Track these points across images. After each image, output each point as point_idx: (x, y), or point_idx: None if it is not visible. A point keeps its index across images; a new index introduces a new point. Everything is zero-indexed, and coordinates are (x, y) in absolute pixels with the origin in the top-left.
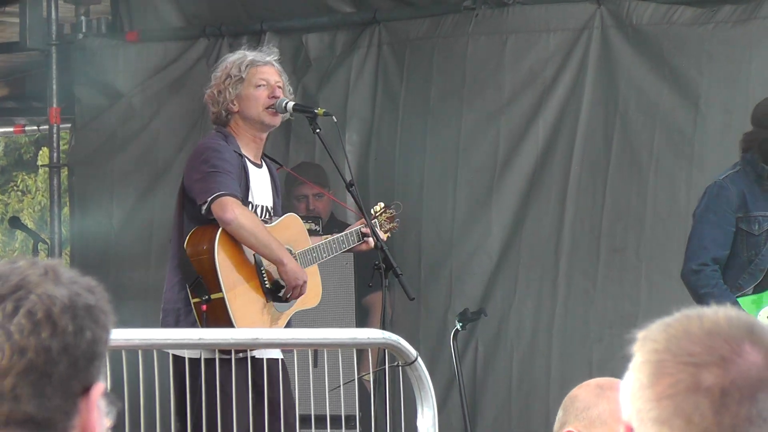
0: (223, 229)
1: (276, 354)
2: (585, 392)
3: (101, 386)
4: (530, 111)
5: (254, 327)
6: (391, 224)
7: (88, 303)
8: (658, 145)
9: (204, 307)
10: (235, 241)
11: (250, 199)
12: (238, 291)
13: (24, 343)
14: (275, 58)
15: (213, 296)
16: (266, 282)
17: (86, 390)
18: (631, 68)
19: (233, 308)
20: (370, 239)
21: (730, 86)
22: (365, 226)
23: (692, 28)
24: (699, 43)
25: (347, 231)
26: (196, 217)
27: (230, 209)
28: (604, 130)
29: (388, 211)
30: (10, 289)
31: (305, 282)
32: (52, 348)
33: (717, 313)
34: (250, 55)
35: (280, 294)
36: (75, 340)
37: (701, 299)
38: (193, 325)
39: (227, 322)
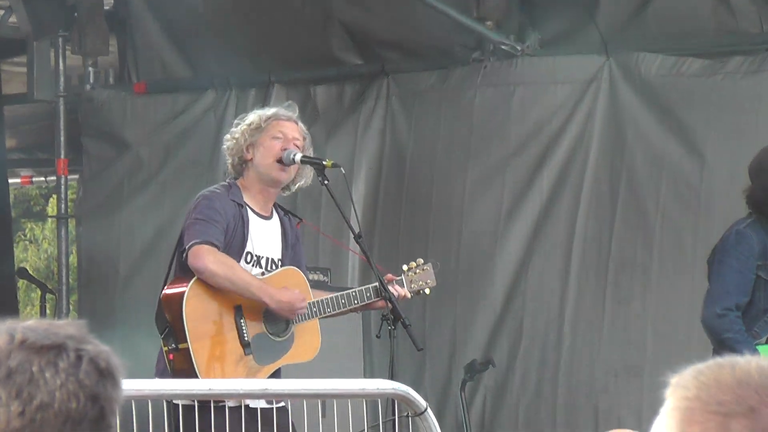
0: (198, 279)
1: (267, 404)
2: None
3: None
4: (535, 162)
5: (224, 379)
6: (422, 282)
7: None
8: (665, 196)
9: (171, 356)
10: (212, 292)
11: (248, 248)
12: (206, 342)
13: (96, 391)
14: (297, 115)
15: (180, 346)
16: (246, 335)
17: None
18: (639, 120)
19: (198, 360)
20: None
21: (737, 137)
22: (388, 282)
23: (700, 79)
24: (707, 95)
25: (362, 287)
26: (183, 265)
27: (202, 257)
28: (610, 181)
29: (423, 267)
30: (65, 338)
31: (303, 299)
32: (113, 399)
33: (749, 363)
34: (277, 109)
35: (287, 329)
36: (121, 394)
37: (723, 343)
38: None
39: (192, 373)
